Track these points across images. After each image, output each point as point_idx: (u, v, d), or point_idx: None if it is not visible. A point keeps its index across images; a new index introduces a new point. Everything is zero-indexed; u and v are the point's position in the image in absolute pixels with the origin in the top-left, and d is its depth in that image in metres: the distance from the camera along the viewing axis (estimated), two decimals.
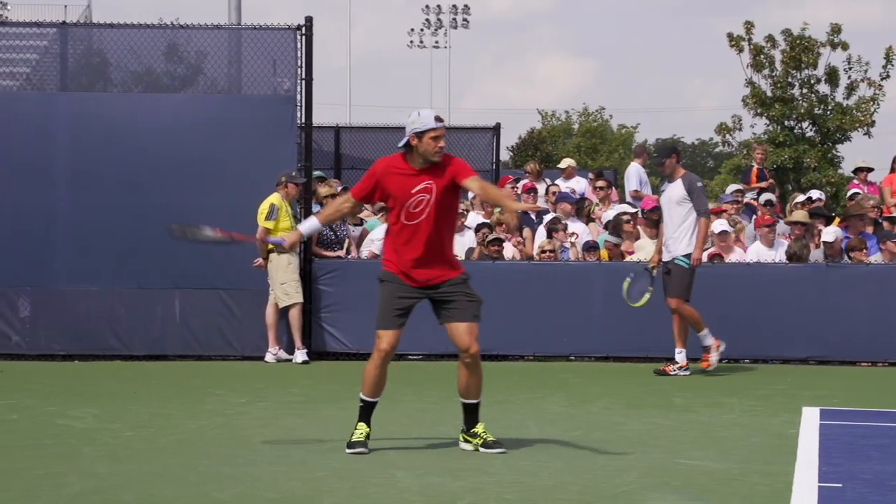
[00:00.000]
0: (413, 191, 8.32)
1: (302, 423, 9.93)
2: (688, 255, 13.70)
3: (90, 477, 7.47)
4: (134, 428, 9.63)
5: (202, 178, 15.26)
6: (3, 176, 15.20)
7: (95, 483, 7.29)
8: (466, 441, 8.56)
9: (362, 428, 8.42)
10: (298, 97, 15.44)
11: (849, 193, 18.02)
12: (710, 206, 17.09)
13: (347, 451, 8.27)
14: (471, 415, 8.57)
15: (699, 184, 13.93)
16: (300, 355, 15.00)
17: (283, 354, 15.10)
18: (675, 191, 13.85)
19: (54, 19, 17.57)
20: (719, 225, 16.24)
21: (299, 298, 15.05)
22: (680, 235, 13.75)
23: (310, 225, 9.14)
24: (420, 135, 8.28)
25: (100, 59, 15.95)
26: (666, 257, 13.89)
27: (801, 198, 18.58)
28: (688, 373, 13.88)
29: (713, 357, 13.93)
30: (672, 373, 13.89)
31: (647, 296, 13.84)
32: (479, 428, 8.55)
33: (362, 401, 8.47)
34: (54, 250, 15.21)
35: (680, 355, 13.99)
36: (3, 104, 15.52)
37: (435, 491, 7.09)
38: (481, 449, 8.44)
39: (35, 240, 15.22)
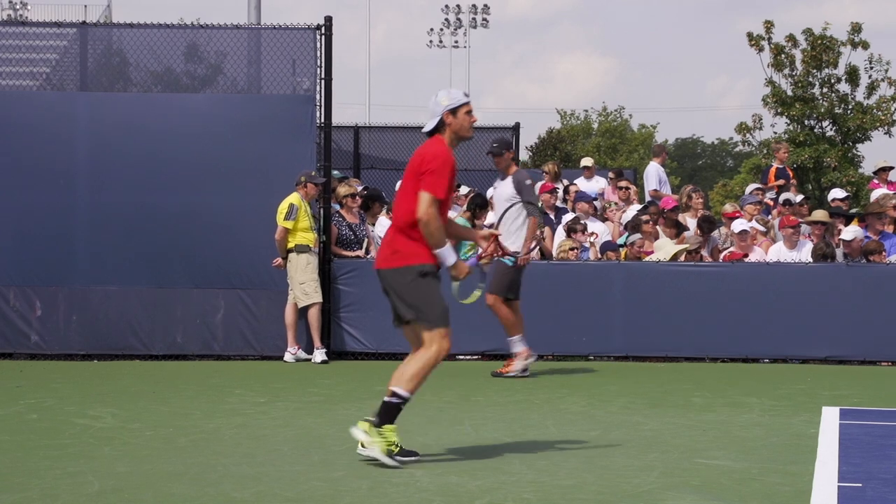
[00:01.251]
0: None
1: (321, 422, 9.94)
2: (513, 253, 13.21)
3: (109, 476, 7.49)
4: (153, 427, 9.65)
5: (221, 177, 15.29)
6: (24, 176, 15.25)
7: (115, 482, 7.30)
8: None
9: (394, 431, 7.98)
10: (318, 97, 15.46)
11: (876, 193, 17.82)
12: (730, 207, 17.08)
13: (404, 459, 7.86)
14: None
15: (528, 182, 13.57)
16: (319, 355, 15.02)
17: (302, 354, 15.12)
18: (506, 188, 13.53)
19: (74, 19, 17.60)
20: (739, 225, 16.22)
21: (318, 298, 15.06)
22: (510, 233, 13.33)
23: (448, 253, 8.14)
24: (455, 111, 8.10)
25: (119, 59, 15.99)
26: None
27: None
28: (527, 374, 13.48)
29: (517, 364, 13.48)
30: (509, 374, 13.50)
31: (476, 293, 13.32)
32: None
33: (405, 399, 7.97)
34: (74, 250, 15.25)
35: (518, 345, 13.61)
36: (24, 104, 15.57)
37: (453, 490, 7.09)
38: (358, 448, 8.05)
39: (55, 239, 15.27)
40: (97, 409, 10.72)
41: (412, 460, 7.96)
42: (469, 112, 8.14)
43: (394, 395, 7.93)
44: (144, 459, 8.13)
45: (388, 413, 7.92)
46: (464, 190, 18.78)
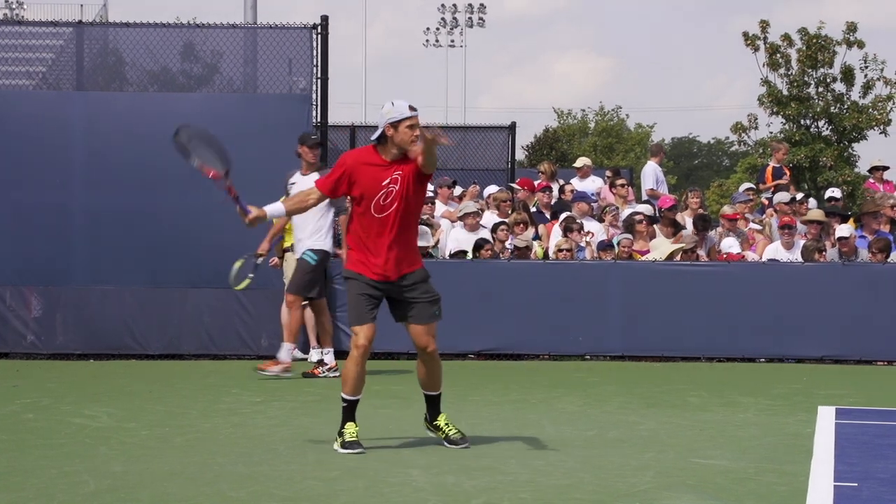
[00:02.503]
0: (384, 182, 8.30)
1: (317, 422, 9.93)
2: (315, 250, 13.19)
3: (105, 476, 7.48)
4: (149, 427, 9.64)
5: None
6: (20, 175, 15.24)
7: (111, 482, 7.30)
8: (430, 429, 8.74)
9: (352, 427, 8.40)
10: (314, 96, 15.47)
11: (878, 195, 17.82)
12: (729, 209, 17.07)
13: (343, 451, 8.28)
14: (433, 405, 8.72)
15: None
16: (315, 354, 14.99)
17: (298, 353, 15.10)
18: (310, 185, 13.16)
19: (70, 18, 17.61)
20: (734, 246, 16.17)
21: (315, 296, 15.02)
22: (314, 230, 13.22)
23: (275, 209, 9.12)
24: (395, 124, 8.23)
25: (116, 58, 15.99)
26: (297, 253, 13.40)
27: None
28: (337, 374, 13.18)
29: (275, 368, 13.19)
30: (321, 375, 13.39)
31: (246, 282, 13.06)
32: (441, 420, 8.66)
33: (346, 401, 8.41)
34: (70, 249, 15.25)
35: (328, 356, 13.51)
36: (20, 103, 15.56)
37: (449, 490, 7.08)
38: (446, 444, 8.53)
39: (51, 239, 15.26)
40: (93, 408, 10.72)
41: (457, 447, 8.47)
42: (411, 126, 8.24)
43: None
44: (140, 459, 8.12)
45: (342, 414, 8.46)
46: (457, 190, 18.78)
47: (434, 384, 8.69)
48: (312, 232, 13.23)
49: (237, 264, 13.08)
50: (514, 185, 18.61)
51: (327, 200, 12.70)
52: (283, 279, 15.11)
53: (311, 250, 13.25)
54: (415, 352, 8.66)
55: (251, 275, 13.08)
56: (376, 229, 8.34)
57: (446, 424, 8.63)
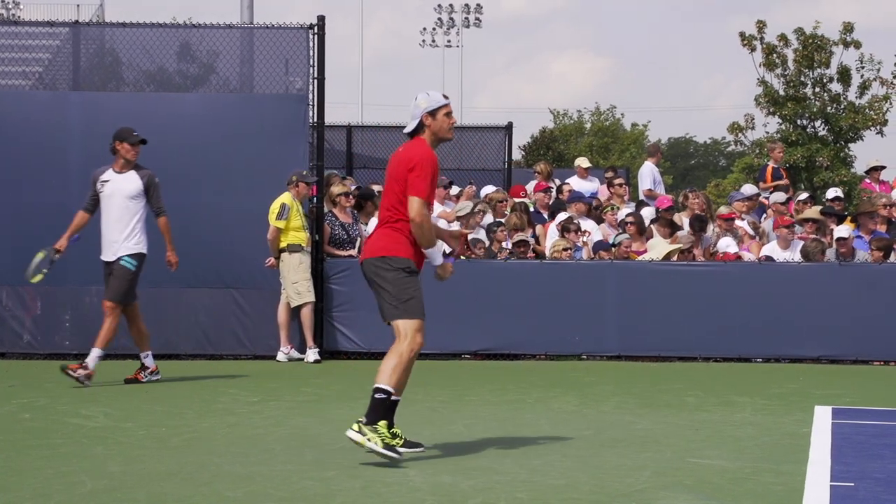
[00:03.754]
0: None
1: (314, 422, 9.93)
2: (135, 255, 12.60)
3: (102, 476, 7.48)
4: (146, 427, 9.64)
5: (214, 177, 15.29)
6: (16, 175, 15.24)
7: (107, 482, 7.29)
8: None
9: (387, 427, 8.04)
10: (310, 96, 15.46)
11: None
12: (725, 209, 17.09)
13: (405, 451, 8.01)
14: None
15: (157, 180, 12.74)
16: (312, 354, 15.02)
17: (294, 353, 15.12)
18: (127, 184, 12.61)
19: (67, 18, 17.59)
20: (731, 246, 16.14)
21: (311, 298, 15.07)
22: (130, 233, 12.58)
23: (434, 254, 8.26)
24: (434, 112, 8.15)
25: (112, 58, 15.98)
26: (109, 256, 12.65)
27: (803, 196, 18.51)
28: (158, 377, 12.97)
29: (80, 372, 12.49)
30: (144, 379, 12.90)
31: (39, 276, 12.75)
32: (398, 430, 8.23)
33: (392, 396, 8.01)
34: (66, 249, 15.21)
35: (147, 359, 13.01)
36: (16, 103, 15.55)
37: (446, 490, 7.08)
38: (402, 448, 8.12)
39: (47, 239, 15.19)
40: (90, 408, 10.71)
41: (416, 451, 8.20)
42: (448, 114, 8.18)
43: (378, 390, 7.98)
44: (137, 459, 8.12)
45: (377, 409, 7.96)
46: (454, 190, 18.78)
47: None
48: (129, 235, 12.60)
49: (38, 256, 12.78)
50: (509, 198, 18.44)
51: (144, 200, 12.57)
52: (280, 279, 15.13)
53: (130, 255, 12.60)
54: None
55: (45, 270, 12.76)
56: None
57: (399, 431, 8.24)
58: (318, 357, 15.00)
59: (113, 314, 12.65)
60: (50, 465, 7.83)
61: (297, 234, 15.05)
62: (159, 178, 12.57)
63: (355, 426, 7.91)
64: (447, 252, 8.59)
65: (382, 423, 7.94)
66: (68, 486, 7.14)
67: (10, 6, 53.41)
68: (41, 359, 15.14)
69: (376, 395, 7.96)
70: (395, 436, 8.14)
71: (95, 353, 12.63)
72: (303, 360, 15.05)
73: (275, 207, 14.98)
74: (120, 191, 12.60)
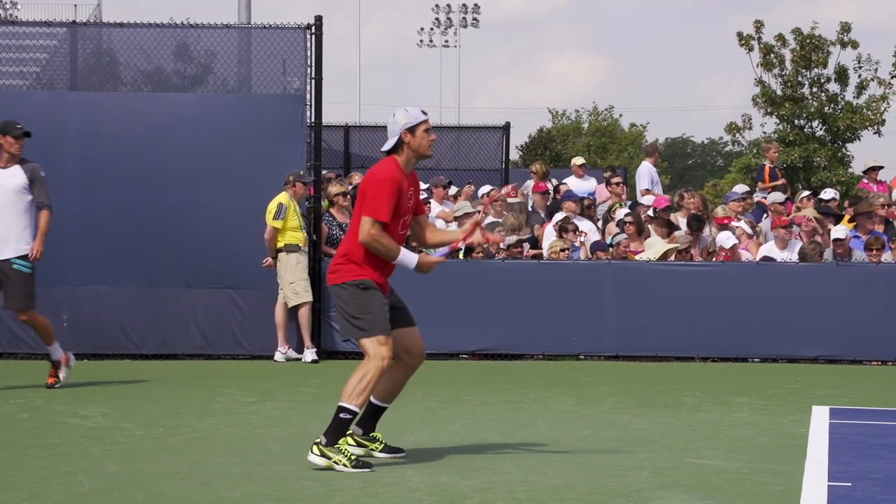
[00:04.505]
0: (407, 196, 8.04)
1: (312, 422, 9.93)
2: (23, 256, 12.09)
3: (100, 476, 7.48)
4: (144, 427, 9.64)
5: (212, 177, 15.28)
6: None
7: (105, 482, 7.29)
8: (358, 445, 8.12)
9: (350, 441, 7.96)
10: (308, 96, 15.45)
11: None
12: (721, 212, 17.09)
13: (354, 470, 7.65)
14: (376, 419, 8.26)
15: (42, 173, 12.28)
16: (309, 354, 15.01)
17: (292, 353, 15.12)
18: (12, 178, 12.14)
19: (64, 18, 17.58)
20: (728, 240, 16.13)
21: (309, 298, 15.06)
22: (20, 233, 12.11)
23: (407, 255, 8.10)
24: (413, 129, 7.99)
25: (110, 58, 15.98)
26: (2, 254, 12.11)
27: (805, 193, 18.53)
28: (73, 364, 12.62)
29: (62, 373, 12.41)
30: (63, 377, 12.42)
31: None
32: (379, 434, 8.23)
33: (354, 414, 7.81)
34: (64, 249, 15.21)
35: (56, 353, 12.48)
36: (14, 103, 15.51)
37: (444, 490, 7.09)
38: (380, 455, 8.11)
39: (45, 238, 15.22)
40: (88, 408, 10.71)
41: (396, 457, 8.12)
42: (427, 130, 8.04)
43: (343, 410, 7.76)
44: (135, 459, 8.12)
45: (339, 430, 7.76)
46: (452, 190, 18.79)
47: (394, 395, 8.29)
48: (20, 231, 12.15)
49: None
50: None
51: (31, 198, 12.11)
52: (278, 279, 15.13)
53: (20, 258, 12.14)
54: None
55: None
56: (397, 242, 8.01)
57: (381, 436, 8.22)
58: (315, 357, 15.00)
59: (33, 318, 12.31)
60: (48, 465, 7.83)
61: (295, 234, 15.05)
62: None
63: (316, 449, 7.69)
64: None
65: (343, 440, 7.76)
66: (66, 487, 7.15)
67: (8, 6, 53.40)
68: (39, 359, 15.11)
69: (341, 416, 7.75)
70: (374, 440, 8.12)
71: (53, 348, 12.42)
72: (300, 359, 15.05)
73: (272, 207, 14.98)
74: (5, 186, 12.17)
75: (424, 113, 8.11)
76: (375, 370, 7.84)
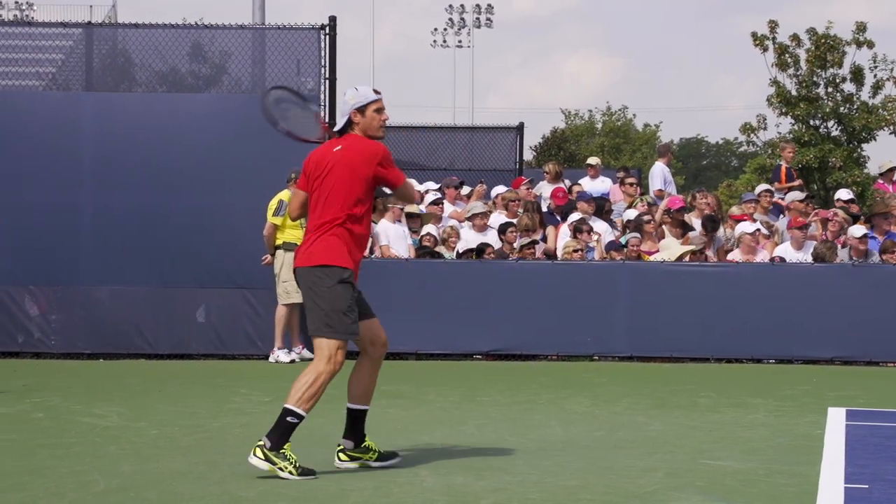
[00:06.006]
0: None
1: (325, 422, 9.91)
2: None
3: (115, 475, 7.49)
4: (158, 426, 9.65)
5: (226, 177, 15.31)
6: (29, 175, 15.27)
7: (120, 481, 7.31)
8: (353, 458, 7.85)
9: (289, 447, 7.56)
10: (322, 97, 15.46)
11: None
12: (737, 210, 17.04)
13: (300, 478, 7.38)
14: (361, 423, 7.90)
15: None
16: (283, 355, 14.95)
17: (306, 353, 15.08)
18: None
19: (79, 19, 17.62)
20: (749, 226, 16.15)
21: (299, 298, 14.91)
22: None
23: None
24: (362, 109, 7.75)
25: (125, 59, 16.02)
26: None
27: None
28: None
29: None
30: None
31: None
32: (369, 441, 7.90)
33: (300, 417, 7.53)
34: (79, 249, 15.27)
35: None
36: (29, 104, 15.59)
37: (458, 491, 7.09)
38: (374, 464, 7.83)
39: (60, 239, 15.28)
40: (103, 407, 10.73)
41: (392, 462, 7.85)
42: (379, 110, 7.78)
43: (289, 413, 7.51)
44: (150, 458, 8.13)
45: (285, 433, 7.51)
46: (465, 190, 18.77)
47: (371, 394, 7.94)
48: None
49: None
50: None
51: None
52: (275, 276, 15.06)
53: None
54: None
55: None
56: (367, 223, 7.84)
57: (373, 444, 7.90)
58: (293, 358, 14.92)
59: None
60: (63, 465, 7.85)
61: (294, 231, 14.97)
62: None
63: (259, 452, 7.43)
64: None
65: (288, 445, 7.49)
66: (81, 486, 7.16)
67: (24, 7, 53.55)
68: (54, 358, 15.18)
69: (287, 419, 7.48)
70: (368, 449, 7.85)
71: None
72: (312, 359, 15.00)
73: (272, 204, 14.94)
74: None
75: (377, 92, 7.86)
76: (328, 375, 7.59)
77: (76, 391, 12.12)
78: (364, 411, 7.93)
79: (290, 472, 7.38)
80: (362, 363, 7.92)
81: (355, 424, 7.90)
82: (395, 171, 7.78)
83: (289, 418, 7.50)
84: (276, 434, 7.48)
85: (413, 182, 7.70)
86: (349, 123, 7.81)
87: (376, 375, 7.97)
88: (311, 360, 15.14)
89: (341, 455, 7.85)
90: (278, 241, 15.02)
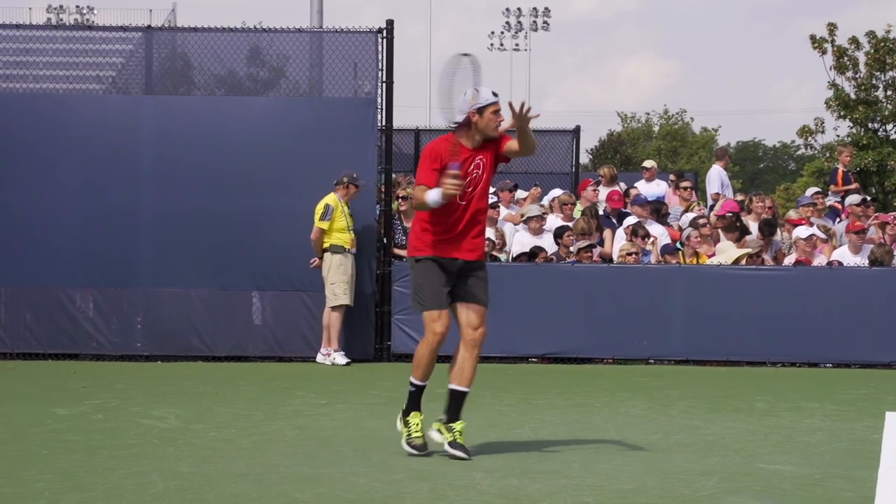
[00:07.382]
0: (469, 169, 8.30)
1: (382, 424, 9.96)
2: None
3: (173, 476, 7.55)
4: (216, 428, 9.72)
5: (283, 179, 15.39)
6: (91, 178, 15.43)
7: (178, 482, 7.36)
8: (438, 430, 8.43)
9: (417, 418, 8.43)
10: (379, 100, 15.52)
11: None
12: (795, 214, 16.95)
13: (408, 448, 8.37)
14: (458, 405, 8.41)
15: None
16: (323, 357, 15.00)
17: (339, 358, 15.07)
18: None
19: (139, 24, 17.77)
20: (805, 230, 16.10)
21: (347, 301, 15.00)
22: None
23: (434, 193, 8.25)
24: (481, 110, 8.25)
25: (183, 62, 16.13)
26: None
27: None
28: None
29: None
30: None
31: None
32: (458, 426, 8.34)
33: (415, 386, 8.43)
34: (138, 252, 15.41)
35: None
36: (90, 107, 15.74)
37: (513, 493, 7.09)
38: (449, 448, 8.28)
39: (120, 241, 15.42)
40: (161, 409, 10.82)
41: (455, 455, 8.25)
42: (496, 112, 8.29)
43: (410, 383, 8.46)
44: (207, 460, 8.19)
45: (409, 402, 8.46)
46: (520, 194, 18.76)
47: (471, 377, 8.40)
48: None
49: None
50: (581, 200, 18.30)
51: None
52: (323, 279, 15.12)
53: None
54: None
55: None
56: (458, 214, 8.32)
57: (460, 433, 8.33)
58: (336, 361, 14.97)
59: None
60: (122, 465, 7.92)
61: (341, 235, 15.04)
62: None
63: (400, 416, 8.50)
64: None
65: (414, 414, 8.42)
66: (140, 486, 7.22)
67: (85, 11, 54.02)
68: (113, 360, 15.31)
69: (409, 388, 8.46)
70: (451, 430, 8.32)
71: None
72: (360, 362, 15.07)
73: (319, 208, 15.01)
74: None
75: (495, 95, 8.33)
76: (425, 345, 8.33)
77: (134, 393, 12.22)
78: (454, 391, 8.38)
79: (404, 439, 8.38)
80: (458, 345, 8.43)
81: (449, 402, 8.43)
82: (417, 174, 8.41)
83: (409, 387, 8.43)
84: (407, 403, 8.46)
85: (421, 188, 8.19)
86: (468, 121, 8.28)
87: (471, 358, 8.39)
88: (343, 364, 15.32)
89: (434, 423, 8.43)
90: (325, 245, 15.09)
